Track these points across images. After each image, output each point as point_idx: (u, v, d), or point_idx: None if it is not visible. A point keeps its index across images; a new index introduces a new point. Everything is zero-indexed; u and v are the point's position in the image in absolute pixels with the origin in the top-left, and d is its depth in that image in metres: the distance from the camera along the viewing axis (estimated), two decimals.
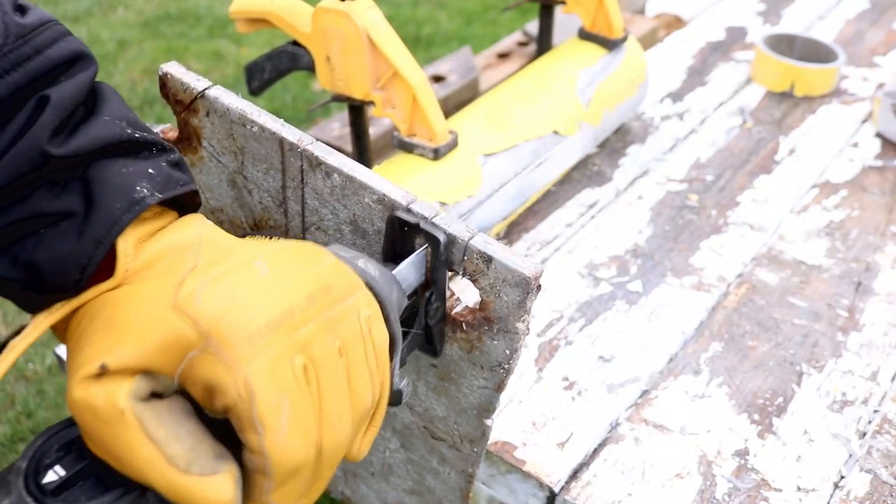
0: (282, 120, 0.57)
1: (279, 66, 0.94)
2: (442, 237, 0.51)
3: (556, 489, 0.69)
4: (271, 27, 0.90)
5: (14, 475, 0.36)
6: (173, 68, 0.59)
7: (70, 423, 0.38)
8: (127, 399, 0.34)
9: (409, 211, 0.52)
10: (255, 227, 0.63)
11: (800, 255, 0.96)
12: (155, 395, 0.36)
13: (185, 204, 0.44)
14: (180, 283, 0.37)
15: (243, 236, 0.64)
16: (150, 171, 0.41)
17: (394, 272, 0.50)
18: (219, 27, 2.71)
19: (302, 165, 0.56)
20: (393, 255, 0.54)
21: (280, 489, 0.37)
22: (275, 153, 0.56)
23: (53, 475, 0.36)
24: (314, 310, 0.39)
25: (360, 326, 0.41)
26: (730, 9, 1.58)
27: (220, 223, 0.65)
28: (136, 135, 0.42)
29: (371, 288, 0.44)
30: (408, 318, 0.53)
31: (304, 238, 0.60)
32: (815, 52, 1.33)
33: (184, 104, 0.59)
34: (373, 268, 0.46)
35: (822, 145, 1.17)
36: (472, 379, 0.57)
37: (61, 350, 0.96)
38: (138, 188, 0.40)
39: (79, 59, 0.41)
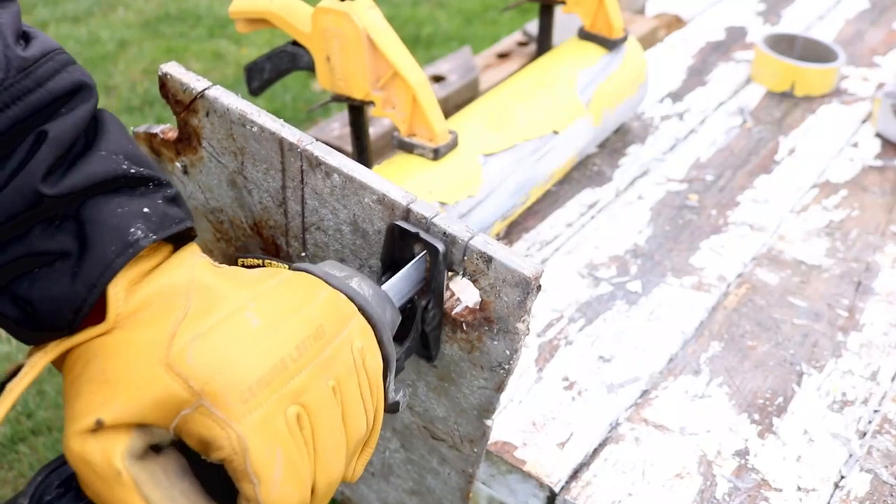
0: (281, 120, 0.57)
1: (279, 67, 0.94)
2: (441, 247, 0.51)
3: (557, 489, 0.69)
4: (271, 27, 0.90)
5: None
6: (173, 69, 0.59)
7: None
8: (122, 458, 0.35)
9: (408, 220, 0.52)
10: (254, 226, 0.63)
11: (800, 255, 0.96)
12: (152, 447, 0.37)
13: (180, 235, 0.44)
14: (171, 336, 0.37)
15: (235, 253, 0.64)
16: (146, 209, 0.41)
17: (389, 283, 0.50)
18: (219, 27, 2.71)
19: (302, 165, 0.56)
20: (391, 261, 0.54)
21: None
22: (275, 153, 0.56)
23: None
24: (306, 358, 0.40)
25: (353, 360, 0.42)
26: (730, 9, 1.58)
27: (220, 223, 0.65)
28: (132, 170, 0.41)
29: (364, 311, 0.45)
30: (405, 324, 0.53)
31: (303, 238, 0.60)
32: (815, 52, 1.33)
33: (183, 104, 0.59)
34: (367, 287, 0.46)
35: (822, 145, 1.17)
36: (473, 379, 0.57)
37: None
38: (132, 230, 0.40)
39: (80, 91, 0.41)
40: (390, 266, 0.54)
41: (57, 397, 1.42)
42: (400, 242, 0.53)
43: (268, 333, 0.39)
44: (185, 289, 0.40)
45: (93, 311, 0.39)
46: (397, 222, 0.52)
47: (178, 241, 0.44)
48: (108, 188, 0.41)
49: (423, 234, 0.51)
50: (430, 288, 0.53)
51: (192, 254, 0.43)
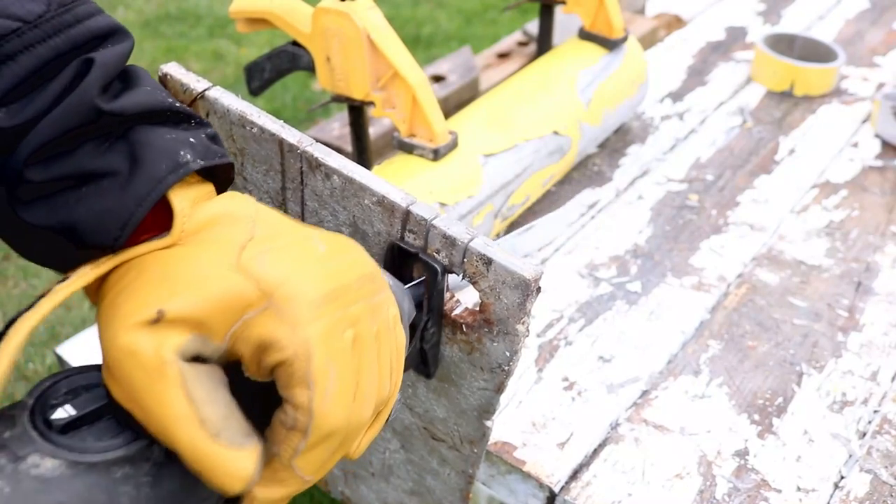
0: (281, 121, 0.57)
1: (279, 66, 0.94)
2: (439, 267, 0.51)
3: (556, 489, 0.69)
4: (271, 27, 0.90)
5: (19, 410, 0.35)
6: (173, 69, 0.59)
7: (79, 370, 0.37)
8: (173, 353, 0.34)
9: (407, 241, 0.53)
10: None
11: (800, 255, 0.96)
12: (198, 360, 0.36)
13: (220, 179, 0.44)
14: (241, 248, 0.37)
15: None
16: (192, 139, 0.41)
17: None
18: (219, 27, 2.71)
19: (301, 167, 0.56)
20: None
21: (309, 453, 0.37)
22: (274, 154, 0.56)
23: (63, 413, 0.35)
24: (364, 291, 0.40)
25: (389, 321, 0.43)
26: (730, 9, 1.58)
27: None
28: (178, 105, 0.42)
29: None
30: None
31: None
32: (815, 52, 1.33)
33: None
34: (388, 278, 0.47)
35: (822, 145, 1.17)
36: (472, 380, 0.57)
37: (61, 350, 0.96)
38: (182, 153, 0.40)
39: (116, 33, 0.42)
40: None
41: None
42: (399, 262, 0.54)
43: (333, 259, 0.40)
44: (251, 216, 0.40)
45: (148, 228, 0.39)
46: (396, 242, 0.53)
47: (219, 188, 0.44)
48: (156, 119, 0.41)
49: (422, 255, 0.52)
50: (431, 306, 0.53)
51: (246, 195, 0.43)
